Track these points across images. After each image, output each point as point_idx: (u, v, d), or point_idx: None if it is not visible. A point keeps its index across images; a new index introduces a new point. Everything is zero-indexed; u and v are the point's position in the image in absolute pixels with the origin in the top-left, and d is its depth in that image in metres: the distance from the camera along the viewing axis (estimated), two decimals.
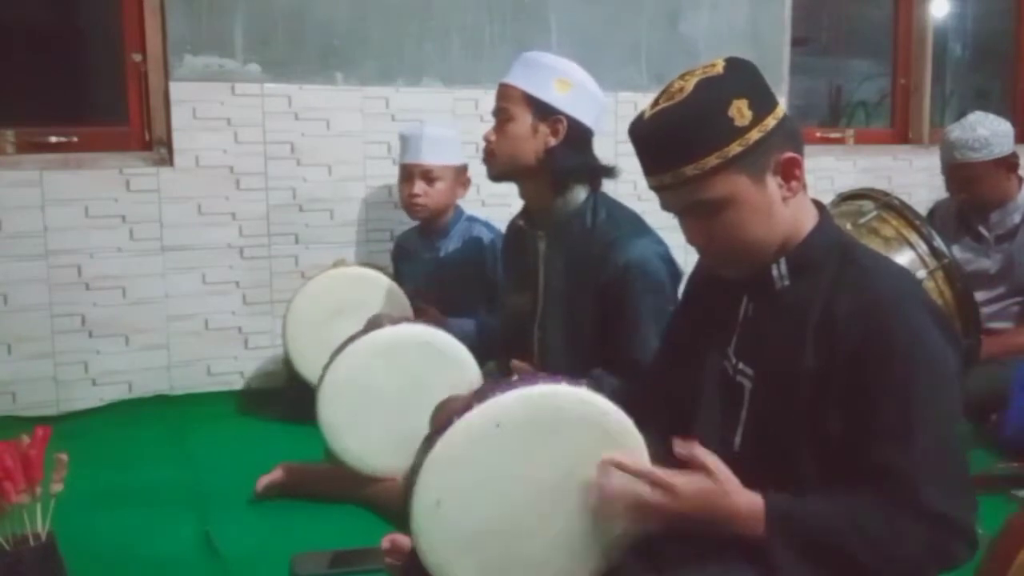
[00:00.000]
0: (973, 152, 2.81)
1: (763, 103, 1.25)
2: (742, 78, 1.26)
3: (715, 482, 1.19)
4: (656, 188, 1.30)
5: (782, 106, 1.29)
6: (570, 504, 1.25)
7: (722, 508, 1.18)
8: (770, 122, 1.24)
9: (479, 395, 1.26)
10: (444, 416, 1.28)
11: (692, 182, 1.24)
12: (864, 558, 1.16)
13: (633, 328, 1.95)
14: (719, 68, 1.26)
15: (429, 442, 1.25)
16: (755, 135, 1.23)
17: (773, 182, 1.26)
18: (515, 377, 1.32)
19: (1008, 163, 2.85)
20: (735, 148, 1.22)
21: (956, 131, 2.86)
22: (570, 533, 1.26)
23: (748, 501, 1.19)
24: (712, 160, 1.22)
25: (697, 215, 1.28)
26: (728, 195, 1.24)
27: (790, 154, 1.26)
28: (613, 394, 1.30)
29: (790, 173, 1.27)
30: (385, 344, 2.04)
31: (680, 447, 1.20)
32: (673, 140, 1.24)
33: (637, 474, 1.21)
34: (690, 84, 1.24)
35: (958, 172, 2.87)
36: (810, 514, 1.18)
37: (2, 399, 2.84)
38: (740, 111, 1.22)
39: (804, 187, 1.31)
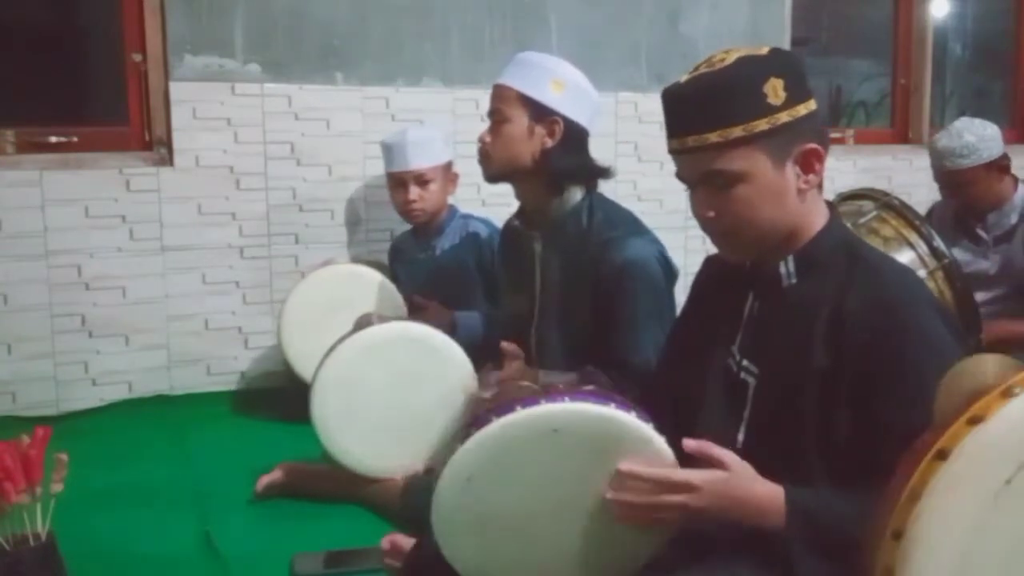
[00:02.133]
0: (962, 159, 2.81)
1: (799, 90, 1.26)
2: (784, 62, 1.28)
3: (731, 473, 1.18)
4: (676, 151, 1.31)
5: (815, 103, 1.30)
6: (594, 529, 1.25)
7: (741, 497, 1.17)
8: (801, 110, 1.26)
9: (549, 394, 1.25)
10: (507, 399, 1.27)
11: (713, 149, 1.25)
12: None
13: (627, 328, 1.94)
14: (764, 51, 1.28)
15: (483, 419, 1.24)
16: (784, 117, 1.24)
17: (792, 170, 1.27)
18: (590, 387, 1.32)
19: (999, 165, 2.85)
20: (762, 124, 1.23)
21: (943, 139, 2.87)
22: (583, 556, 1.26)
23: (767, 490, 1.18)
24: (737, 131, 1.23)
25: (710, 186, 1.28)
26: (745, 170, 1.25)
27: (814, 146, 1.27)
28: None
29: (810, 165, 1.28)
30: (374, 343, 2.04)
31: (690, 444, 1.19)
32: (704, 104, 1.25)
33: (655, 480, 1.19)
34: (732, 57, 1.26)
35: (949, 179, 2.89)
36: (829, 508, 1.18)
37: (2, 399, 2.84)
38: (775, 90, 1.23)
39: (820, 185, 1.32)
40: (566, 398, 1.22)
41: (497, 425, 1.21)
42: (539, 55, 2.14)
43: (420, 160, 2.82)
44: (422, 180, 2.82)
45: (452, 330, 2.42)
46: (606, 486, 1.22)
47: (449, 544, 1.27)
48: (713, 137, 1.24)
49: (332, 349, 2.05)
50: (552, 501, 1.24)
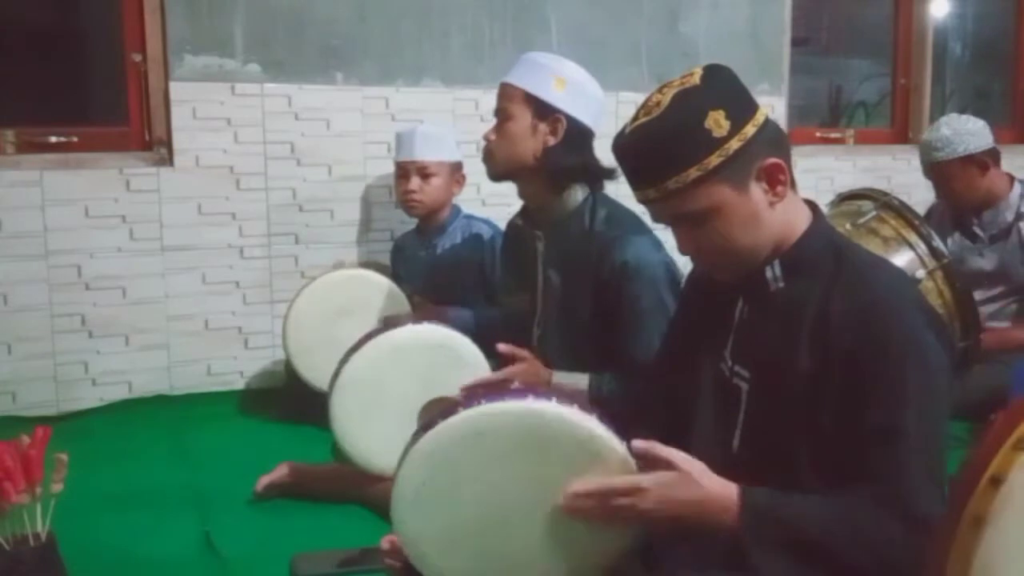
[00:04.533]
0: (936, 152, 2.83)
1: (741, 112, 1.25)
2: (719, 88, 1.26)
3: (679, 472, 1.17)
4: (642, 201, 1.32)
5: (763, 111, 1.29)
6: (551, 517, 1.24)
7: (692, 496, 1.17)
8: (749, 130, 1.24)
9: (467, 399, 1.26)
10: (431, 415, 1.28)
11: (675, 195, 1.25)
12: (847, 556, 1.15)
13: (632, 328, 1.95)
14: (696, 78, 1.26)
15: (414, 438, 1.26)
16: (734, 145, 1.23)
17: (758, 189, 1.27)
18: (515, 384, 1.31)
19: (977, 161, 2.83)
20: (715, 159, 1.22)
21: (926, 133, 2.93)
22: (552, 543, 1.26)
23: (719, 487, 1.18)
24: (693, 173, 1.23)
25: (685, 225, 1.29)
26: (712, 206, 1.25)
27: (773, 160, 1.26)
28: (611, 396, 1.29)
29: (774, 179, 1.27)
30: (403, 344, 2.03)
31: (638, 445, 1.19)
32: (653, 155, 1.25)
33: (599, 494, 1.19)
34: (667, 97, 1.25)
35: (930, 173, 2.92)
36: (787, 508, 1.18)
37: (2, 399, 2.84)
38: (717, 122, 1.22)
39: (794, 189, 1.31)
40: (482, 401, 1.24)
41: (424, 441, 1.23)
42: (545, 55, 2.14)
43: (425, 152, 2.84)
44: (425, 172, 2.83)
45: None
46: (556, 477, 1.22)
47: (424, 565, 1.28)
48: (671, 184, 1.24)
49: (359, 345, 2.04)
50: (505, 504, 1.25)
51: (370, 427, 2.04)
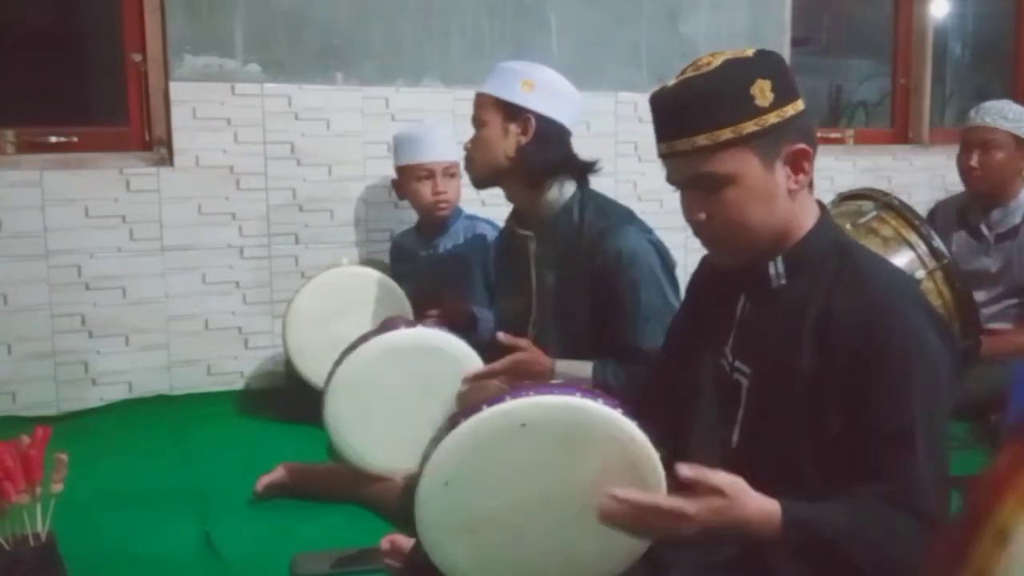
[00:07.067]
0: (1005, 120, 2.85)
1: (786, 91, 1.26)
2: (770, 63, 1.28)
3: (726, 497, 1.14)
4: (666, 155, 1.30)
5: (803, 103, 1.29)
6: (578, 520, 1.23)
7: (737, 517, 1.14)
8: (789, 111, 1.25)
9: (514, 390, 1.25)
10: (474, 400, 1.27)
11: (702, 152, 1.24)
12: (864, 560, 1.15)
13: (629, 315, 1.97)
14: (750, 53, 1.28)
15: (453, 422, 1.24)
16: (772, 118, 1.23)
17: (781, 171, 1.27)
18: (555, 381, 1.31)
19: None
20: (750, 126, 1.23)
21: (991, 102, 2.91)
22: (573, 548, 1.25)
23: (759, 507, 1.15)
24: (726, 133, 1.23)
25: (700, 189, 1.28)
26: (734, 172, 1.24)
27: (802, 146, 1.27)
28: (618, 386, 1.29)
29: (799, 165, 1.27)
30: (399, 346, 2.03)
31: (685, 471, 1.15)
32: (693, 107, 1.25)
33: (640, 507, 1.14)
34: (718, 60, 1.26)
35: (981, 135, 2.88)
36: (825, 521, 1.16)
37: (2, 399, 2.84)
38: (763, 91, 1.23)
39: (811, 185, 1.32)
40: (531, 392, 1.23)
41: (466, 426, 1.21)
42: (515, 62, 2.23)
43: (447, 153, 2.83)
44: (450, 172, 2.83)
45: (472, 325, 2.43)
46: (590, 480, 1.20)
47: (438, 552, 1.26)
48: (702, 140, 1.23)
49: (354, 347, 2.04)
50: (534, 497, 1.24)
51: (364, 429, 2.04)
